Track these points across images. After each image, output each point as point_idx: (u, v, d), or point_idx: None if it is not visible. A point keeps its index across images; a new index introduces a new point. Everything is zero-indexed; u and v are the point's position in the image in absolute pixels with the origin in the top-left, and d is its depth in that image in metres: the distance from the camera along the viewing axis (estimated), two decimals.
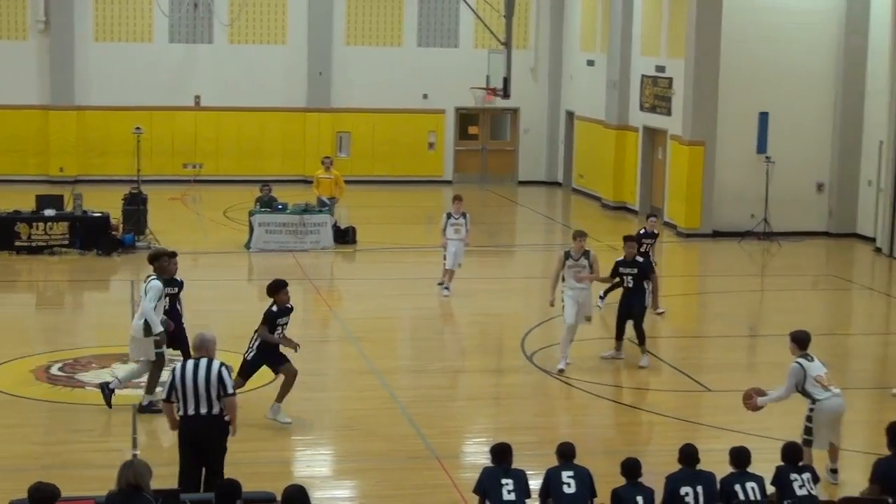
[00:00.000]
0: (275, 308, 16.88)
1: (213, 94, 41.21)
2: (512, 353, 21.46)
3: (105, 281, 27.31)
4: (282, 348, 17.00)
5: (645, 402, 18.57)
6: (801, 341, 15.16)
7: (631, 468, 12.09)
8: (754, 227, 33.57)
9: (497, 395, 19.39)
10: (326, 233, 30.19)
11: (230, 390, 13.33)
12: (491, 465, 12.33)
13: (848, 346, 22.75)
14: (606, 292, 23.94)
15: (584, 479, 12.18)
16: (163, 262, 17.60)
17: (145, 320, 17.13)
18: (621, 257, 21.07)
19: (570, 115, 42.96)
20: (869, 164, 33.35)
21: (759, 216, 33.62)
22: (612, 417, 18.37)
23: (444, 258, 25.65)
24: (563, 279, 20.34)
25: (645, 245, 23.75)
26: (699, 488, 12.02)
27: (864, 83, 33.60)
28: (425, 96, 42.54)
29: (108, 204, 30.32)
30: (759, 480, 12.18)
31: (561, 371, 19.77)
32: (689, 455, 12.27)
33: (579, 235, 20.57)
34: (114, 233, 29.15)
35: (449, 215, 25.76)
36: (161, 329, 17.15)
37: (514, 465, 12.31)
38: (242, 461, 14.42)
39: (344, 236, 30.90)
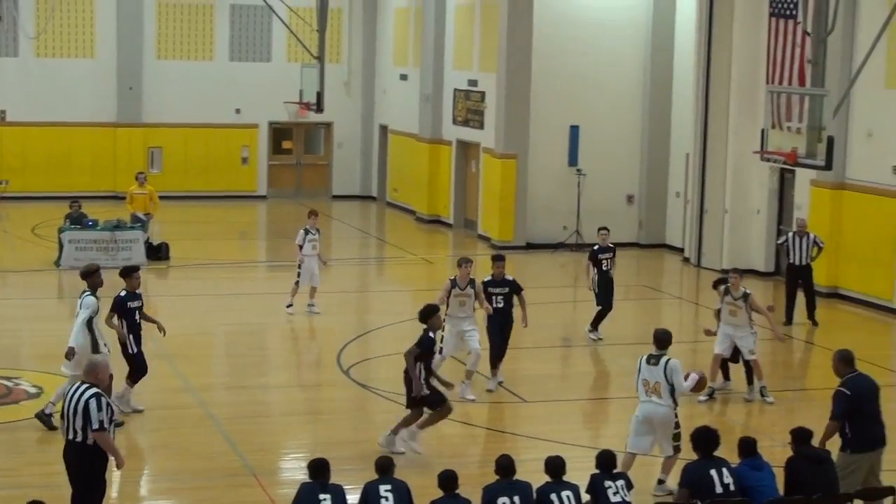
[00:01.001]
0: (431, 335, 16.45)
1: (19, 109, 40.31)
2: (328, 368, 21.42)
3: None
4: None
5: (461, 414, 18.67)
6: (659, 340, 15.41)
7: (448, 480, 12.16)
8: (567, 239, 34.07)
9: (314, 410, 19.32)
10: (138, 249, 29.71)
11: (94, 425, 12.55)
12: (309, 480, 12.28)
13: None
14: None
15: (402, 493, 12.21)
16: (96, 279, 17.35)
17: (91, 336, 16.91)
18: (489, 277, 20.09)
19: (384, 129, 43.09)
20: (676, 177, 34.14)
21: (572, 228, 34.14)
22: (429, 430, 18.42)
23: (298, 275, 25.10)
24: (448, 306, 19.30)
25: (605, 261, 23.41)
26: (516, 498, 12.14)
27: (671, 97, 34.39)
28: (238, 111, 42.25)
29: None
30: (574, 489, 12.36)
31: (489, 391, 19.59)
32: (505, 466, 12.38)
33: (465, 262, 19.49)
34: None
35: (307, 231, 25.29)
36: (72, 345, 16.83)
37: (332, 480, 12.29)
38: (52, 484, 14.11)
39: (157, 252, 30.48)
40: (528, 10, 33.46)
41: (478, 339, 19.44)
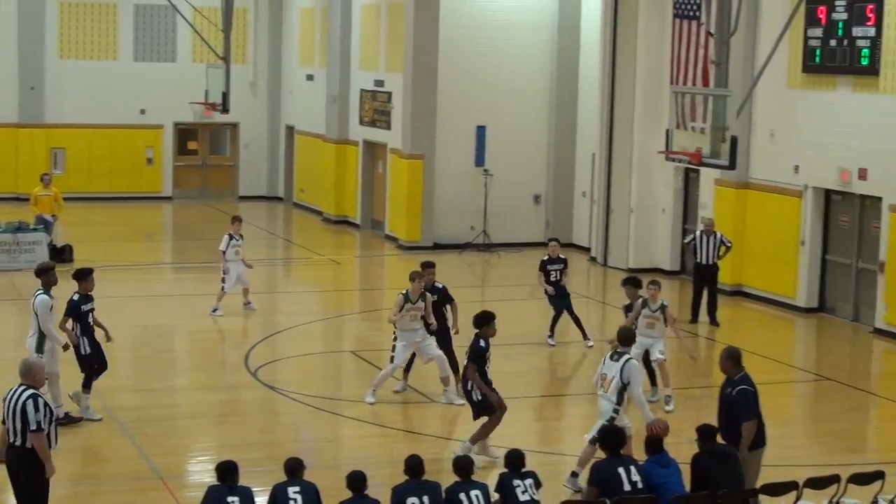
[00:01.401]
0: (482, 343, 16.21)
1: None
2: (236, 370, 21.31)
3: None
4: None
5: (369, 415, 18.66)
6: (622, 338, 15.65)
7: (356, 481, 12.13)
8: (474, 239, 34.16)
9: (222, 412, 19.19)
10: (42, 251, 29.32)
11: (32, 426, 12.47)
12: (217, 483, 12.20)
13: (566, 353, 23.32)
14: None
15: (311, 494, 12.17)
16: (51, 277, 17.48)
17: (38, 337, 17.06)
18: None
19: (291, 130, 42.94)
20: (583, 176, 34.36)
21: (479, 228, 34.23)
22: (337, 431, 18.40)
23: (223, 280, 25.01)
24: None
25: (553, 272, 23.19)
26: (425, 498, 12.14)
27: (577, 98, 34.60)
28: (143, 111, 41.89)
29: None
30: (482, 488, 12.39)
31: (371, 403, 19.18)
32: (414, 466, 12.38)
33: (418, 276, 19.29)
34: None
35: (231, 236, 25.29)
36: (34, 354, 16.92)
37: (241, 483, 12.21)
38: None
39: (60, 255, 30.08)
40: (435, 11, 33.50)
41: (436, 345, 19.31)
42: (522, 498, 12.44)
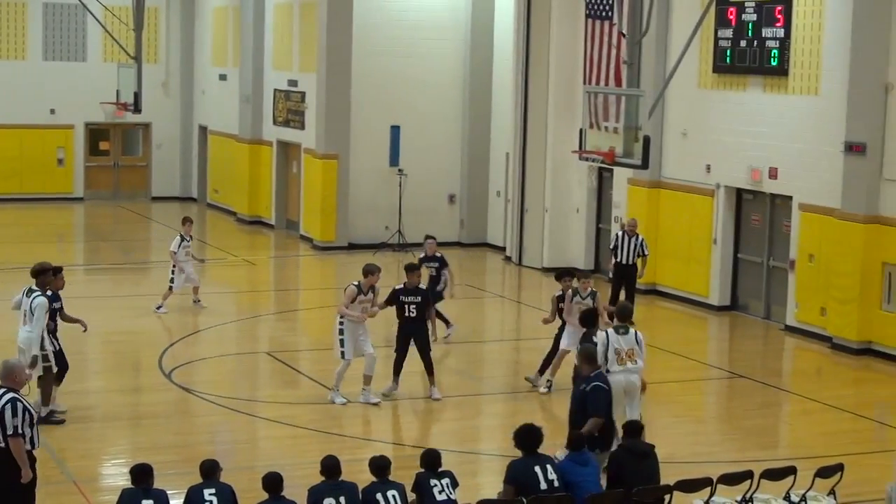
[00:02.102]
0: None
1: None
2: (150, 371, 21.14)
3: None
4: None
5: (285, 416, 18.59)
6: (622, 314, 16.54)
7: (273, 482, 12.08)
8: (389, 239, 34.14)
9: (135, 414, 19.02)
10: None
11: (9, 430, 12.33)
12: (131, 486, 12.09)
13: (482, 352, 23.38)
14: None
15: (227, 496, 12.09)
16: (47, 277, 17.76)
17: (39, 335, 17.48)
18: (400, 285, 19.87)
19: (204, 130, 42.69)
20: (497, 176, 34.46)
21: (394, 228, 34.22)
22: (253, 432, 18.32)
23: (172, 280, 25.34)
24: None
25: (430, 269, 23.39)
26: (342, 499, 12.11)
27: (491, 97, 34.72)
28: (53, 111, 41.44)
29: None
30: (399, 488, 12.38)
31: (344, 404, 19.12)
32: (330, 467, 12.35)
33: (370, 272, 19.33)
34: None
35: (182, 237, 25.49)
36: (36, 352, 17.47)
37: (156, 485, 12.12)
38: None
39: None
40: (348, 10, 33.43)
41: (370, 343, 19.33)
42: (439, 497, 12.45)
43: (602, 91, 27.68)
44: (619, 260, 25.79)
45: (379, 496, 12.24)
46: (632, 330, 16.32)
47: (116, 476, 15.57)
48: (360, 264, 31.38)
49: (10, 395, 12.54)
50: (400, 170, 34.38)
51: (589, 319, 17.04)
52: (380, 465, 12.50)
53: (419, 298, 19.56)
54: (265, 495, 12.07)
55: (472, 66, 34.86)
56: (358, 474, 12.81)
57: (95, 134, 42.77)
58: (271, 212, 37.88)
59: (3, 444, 12.47)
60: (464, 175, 35.31)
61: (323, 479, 12.32)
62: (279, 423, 18.27)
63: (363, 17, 33.79)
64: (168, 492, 12.16)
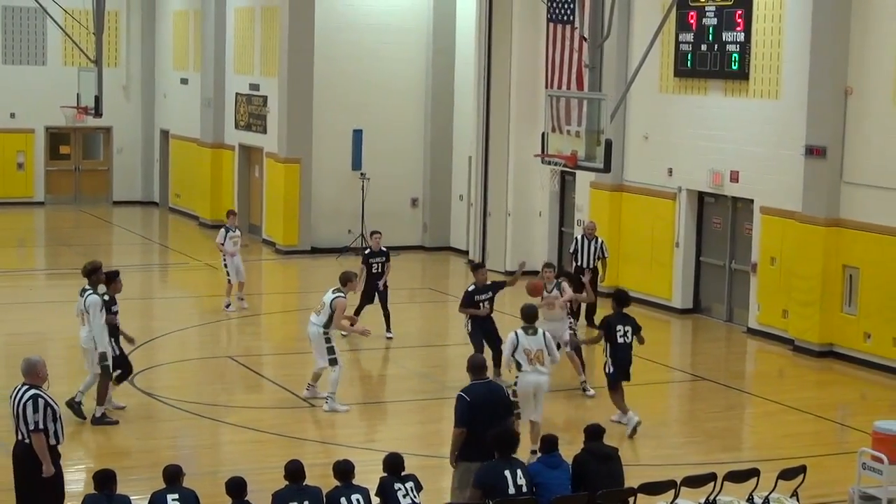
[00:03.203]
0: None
1: None
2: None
3: None
4: None
5: (249, 420, 18.54)
6: (528, 315, 16.92)
7: (236, 487, 12.05)
8: (352, 243, 34.09)
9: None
10: None
11: (31, 426, 12.65)
12: (94, 492, 12.04)
13: (445, 356, 23.38)
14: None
15: (190, 501, 12.06)
16: (99, 276, 18.27)
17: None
18: (471, 286, 20.66)
19: (165, 134, 42.56)
20: (460, 180, 34.49)
21: (357, 232, 34.18)
22: (216, 437, 18.26)
23: (228, 274, 26.12)
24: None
25: (374, 264, 23.96)
26: (306, 503, 12.10)
27: (453, 101, 34.73)
28: (13, 115, 41.23)
29: None
30: (363, 492, 12.36)
31: (347, 410, 19.17)
32: (294, 471, 12.32)
33: (349, 279, 19.39)
34: None
35: (227, 229, 26.10)
36: (104, 349, 18.04)
37: (119, 491, 12.07)
38: None
39: None
40: (309, 14, 33.39)
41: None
42: (403, 501, 12.45)
43: (564, 95, 27.68)
44: (579, 264, 25.84)
45: (343, 500, 12.22)
46: (540, 330, 16.74)
47: (79, 482, 15.47)
48: (322, 268, 31.51)
49: (32, 391, 12.87)
50: (362, 173, 34.35)
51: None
52: (344, 470, 12.49)
53: (490, 294, 20.56)
54: (229, 500, 12.04)
55: (435, 69, 34.88)
56: (322, 479, 12.79)
57: (56, 138, 42.56)
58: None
59: (27, 440, 12.73)
60: (426, 179, 35.32)
61: (287, 483, 12.30)
62: (243, 428, 18.22)
63: (325, 21, 33.77)
64: (131, 497, 12.13)
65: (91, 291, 18.18)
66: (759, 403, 20.64)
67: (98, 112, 33.04)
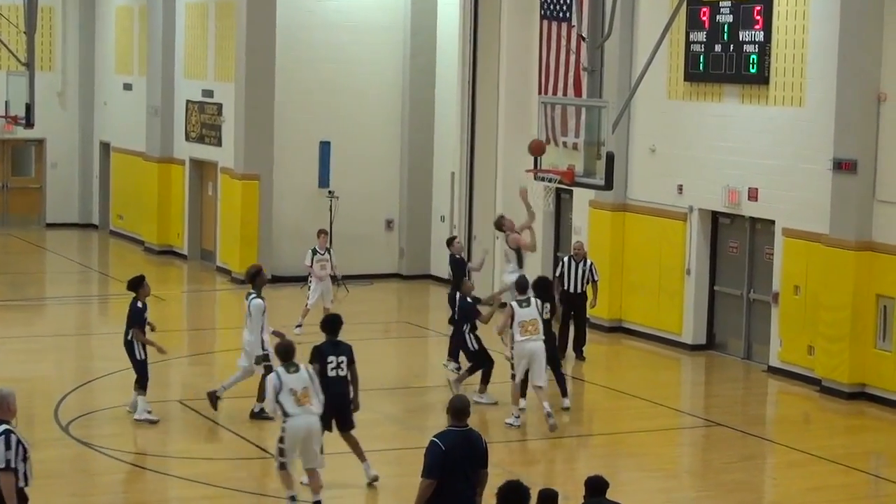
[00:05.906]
0: None
1: None
2: (44, 424, 20.95)
3: None
4: None
5: (201, 474, 18.49)
6: (521, 286, 21.19)
7: None
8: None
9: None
10: None
11: (0, 464, 12.66)
12: None
13: (425, 399, 23.33)
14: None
15: None
16: (264, 278, 21.07)
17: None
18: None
19: (106, 147, 42.55)
20: (441, 199, 34.46)
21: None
22: (164, 492, 18.22)
23: (308, 297, 27.95)
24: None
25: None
26: None
27: (434, 109, 34.73)
28: None
29: None
30: None
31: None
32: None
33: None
34: None
35: (314, 251, 27.67)
36: (259, 352, 20.49)
37: None
38: None
39: None
40: (270, 10, 33.42)
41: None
42: None
43: (560, 102, 27.85)
44: (566, 288, 25.86)
45: None
46: (533, 301, 20.72)
47: None
48: (286, 300, 31.47)
49: (3, 426, 12.82)
50: (330, 191, 34.34)
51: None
52: None
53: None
54: None
55: (413, 72, 34.91)
56: None
57: None
58: (183, 240, 37.75)
59: None
60: (403, 197, 35.32)
61: None
62: (194, 483, 18.18)
63: (288, 18, 33.78)
64: None
65: (254, 295, 20.62)
66: (782, 452, 20.65)
67: (29, 122, 33.04)
